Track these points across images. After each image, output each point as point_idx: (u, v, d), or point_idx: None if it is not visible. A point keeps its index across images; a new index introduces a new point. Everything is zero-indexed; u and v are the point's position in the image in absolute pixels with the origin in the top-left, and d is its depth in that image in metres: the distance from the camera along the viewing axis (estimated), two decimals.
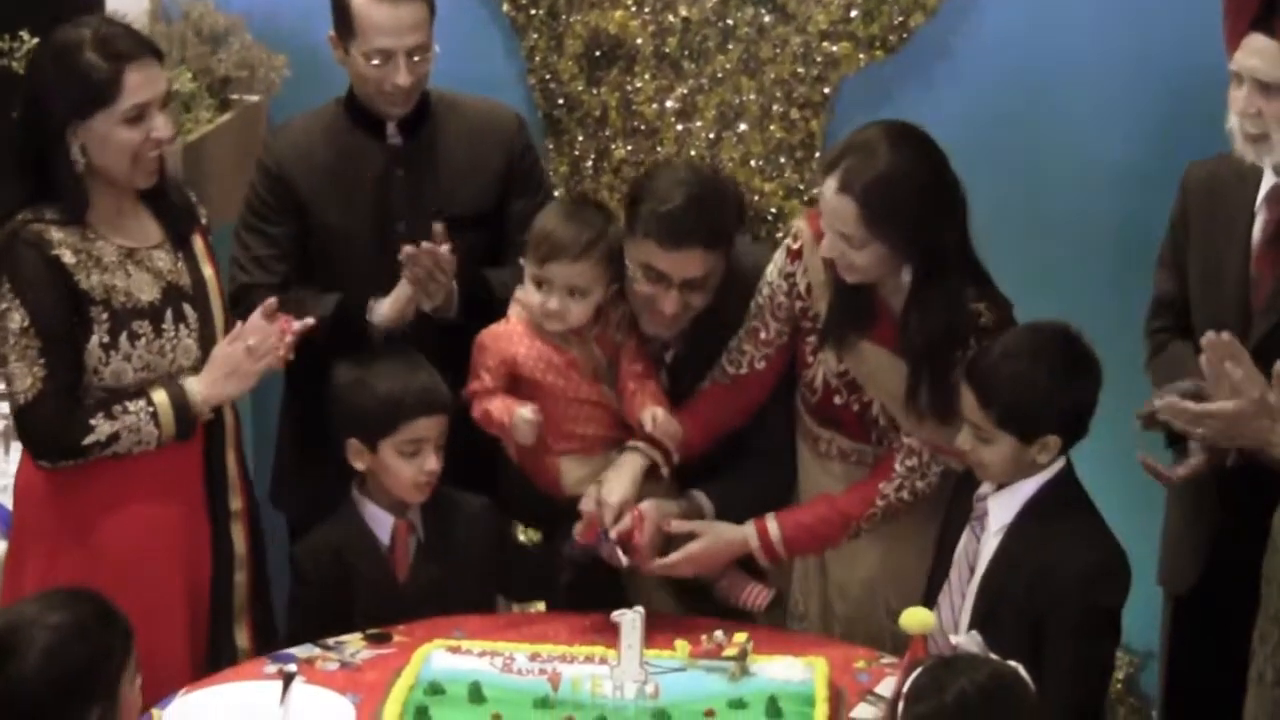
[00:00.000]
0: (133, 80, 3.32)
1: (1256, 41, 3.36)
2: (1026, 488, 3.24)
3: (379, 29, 3.67)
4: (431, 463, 3.49)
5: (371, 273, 3.72)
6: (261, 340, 3.42)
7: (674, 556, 3.47)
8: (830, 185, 3.31)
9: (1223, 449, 3.35)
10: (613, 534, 3.42)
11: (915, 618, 3.05)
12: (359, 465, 3.52)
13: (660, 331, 3.59)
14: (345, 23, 3.72)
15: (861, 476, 3.53)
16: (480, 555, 3.58)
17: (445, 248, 3.58)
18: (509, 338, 3.58)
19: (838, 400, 3.51)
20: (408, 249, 3.57)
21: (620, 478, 3.49)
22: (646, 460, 3.51)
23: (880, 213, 3.26)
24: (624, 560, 3.43)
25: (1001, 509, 3.25)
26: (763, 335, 3.57)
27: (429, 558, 3.54)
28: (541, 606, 3.98)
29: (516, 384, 3.57)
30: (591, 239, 3.51)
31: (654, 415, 3.49)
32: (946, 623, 3.26)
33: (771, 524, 3.48)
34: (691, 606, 3.57)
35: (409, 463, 3.48)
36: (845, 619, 3.60)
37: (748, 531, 3.49)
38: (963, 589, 3.28)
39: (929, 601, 3.32)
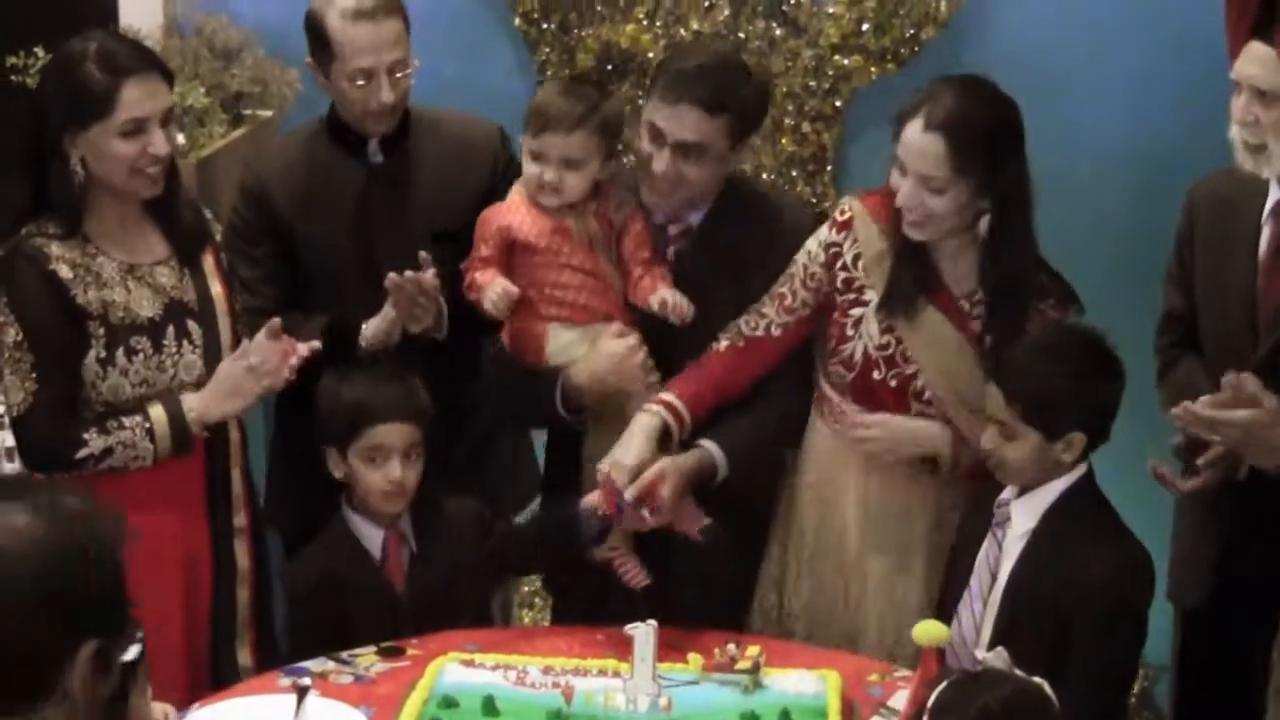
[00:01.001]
0: (130, 95, 3.32)
1: (1256, 50, 3.38)
2: (1050, 492, 3.25)
3: (359, 49, 3.65)
4: (395, 471, 3.47)
5: (356, 289, 3.72)
6: (264, 360, 3.43)
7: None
8: (915, 127, 3.34)
9: (1234, 464, 3.35)
10: (629, 494, 3.40)
11: (929, 631, 3.05)
12: (338, 474, 3.53)
13: (656, 201, 3.61)
14: (323, 47, 3.70)
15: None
16: (471, 552, 3.58)
17: (430, 273, 3.59)
18: (506, 209, 3.63)
19: (876, 375, 3.49)
20: (392, 276, 3.57)
21: (634, 440, 3.48)
22: (659, 422, 3.51)
23: (967, 147, 3.30)
24: (649, 519, 3.40)
25: (1025, 513, 3.26)
26: (788, 301, 3.56)
27: (424, 566, 3.54)
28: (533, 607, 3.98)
29: (513, 252, 3.60)
30: (585, 111, 3.55)
31: (663, 298, 3.54)
32: (968, 630, 3.27)
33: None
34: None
35: (373, 470, 3.48)
36: (845, 622, 3.59)
37: (935, 431, 3.48)
38: (984, 595, 3.28)
39: (944, 614, 3.32)
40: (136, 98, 3.33)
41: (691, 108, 3.50)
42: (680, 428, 3.52)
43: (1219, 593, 3.55)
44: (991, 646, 3.19)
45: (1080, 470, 3.26)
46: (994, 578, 3.27)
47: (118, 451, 3.35)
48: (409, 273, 3.57)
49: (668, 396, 3.54)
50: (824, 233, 3.56)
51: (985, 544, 3.30)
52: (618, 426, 3.56)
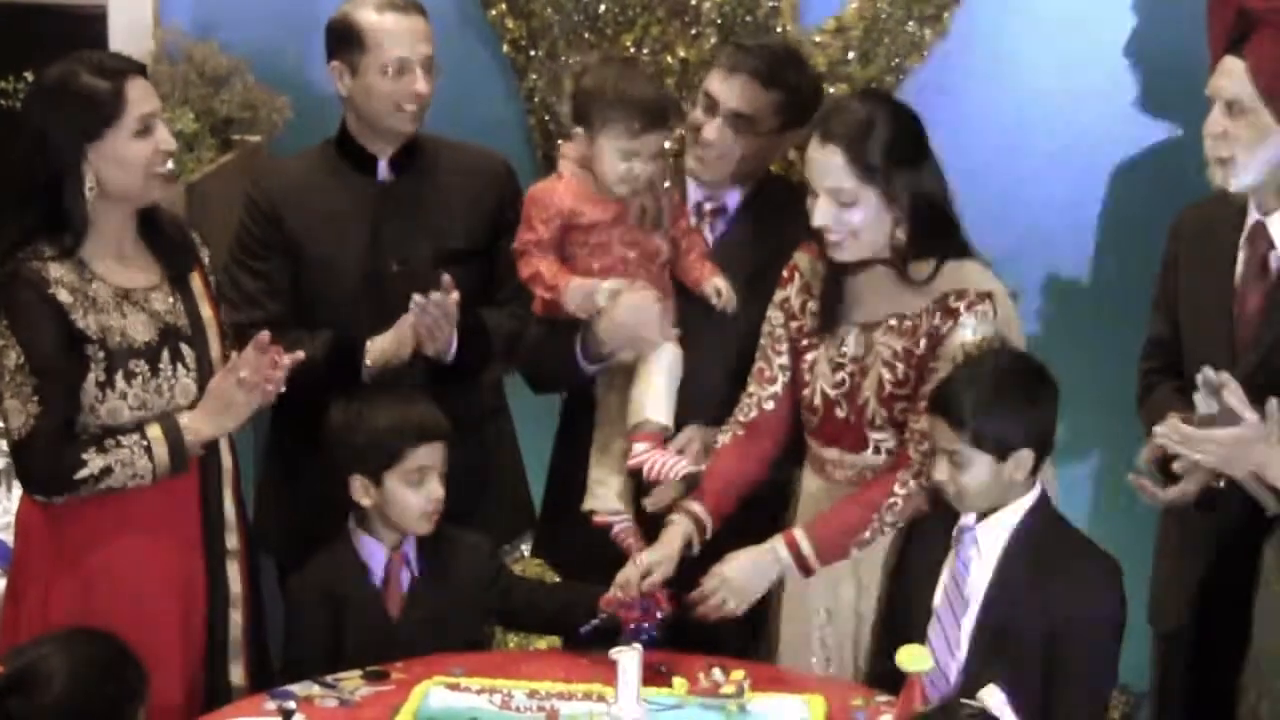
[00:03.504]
0: (134, 93, 3.36)
1: (1228, 64, 3.42)
2: (1011, 514, 3.30)
3: (395, 38, 3.70)
4: (438, 490, 3.51)
5: (361, 309, 3.75)
6: (254, 373, 3.43)
7: (710, 589, 3.44)
8: (814, 144, 3.39)
9: (1213, 472, 3.36)
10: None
11: (912, 656, 3.06)
12: (365, 502, 3.52)
13: (699, 169, 3.72)
14: (354, 41, 3.72)
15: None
16: (475, 592, 3.59)
17: (454, 296, 3.62)
18: (561, 191, 3.64)
19: (839, 413, 3.50)
20: (418, 299, 3.61)
21: (660, 548, 3.50)
22: (686, 533, 3.52)
23: (864, 154, 3.34)
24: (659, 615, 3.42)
25: (990, 537, 3.30)
26: (766, 373, 3.59)
27: (424, 593, 3.54)
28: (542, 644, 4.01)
29: (568, 233, 3.63)
30: (675, 101, 3.70)
31: (716, 286, 3.63)
32: (942, 656, 3.28)
33: (799, 535, 3.45)
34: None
35: (416, 492, 3.50)
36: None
37: (776, 548, 3.45)
38: (956, 621, 3.29)
39: (895, 635, 3.34)
40: (140, 95, 3.37)
41: (748, 79, 3.65)
42: (701, 538, 3.54)
43: (1197, 617, 3.57)
44: (969, 669, 3.22)
45: (1036, 490, 3.31)
46: (966, 602, 3.29)
47: (117, 470, 3.36)
48: (435, 295, 3.60)
49: (694, 507, 3.55)
50: (777, 294, 3.59)
51: (949, 569, 3.33)
52: (620, 427, 3.65)
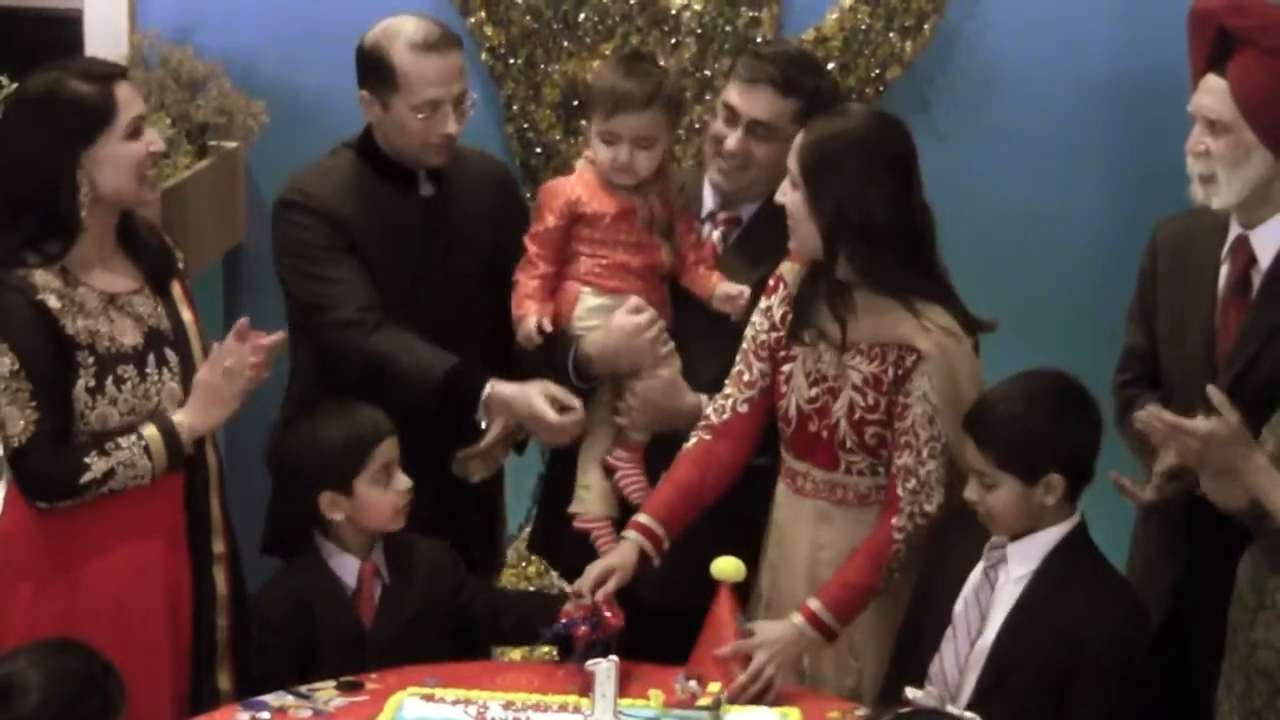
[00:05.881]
0: (124, 95, 3.36)
1: (1209, 82, 3.43)
2: (1047, 537, 3.25)
3: (427, 81, 3.66)
4: (404, 480, 3.54)
5: (405, 320, 3.70)
6: (237, 361, 3.42)
7: (747, 679, 3.34)
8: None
9: (1194, 476, 3.36)
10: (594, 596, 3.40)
11: (725, 566, 3.25)
12: (338, 516, 3.52)
13: (722, 181, 3.75)
14: (385, 78, 3.67)
15: (837, 510, 3.51)
16: (441, 596, 3.59)
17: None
18: (573, 183, 3.74)
19: (812, 428, 3.49)
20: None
21: (612, 557, 3.48)
22: (638, 543, 3.50)
23: (814, 157, 3.35)
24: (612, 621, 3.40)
25: (1021, 557, 3.26)
26: (745, 377, 3.58)
27: (395, 602, 3.54)
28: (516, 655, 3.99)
29: (576, 222, 3.69)
30: (654, 89, 3.67)
31: (728, 292, 3.69)
32: (950, 670, 3.27)
33: (814, 604, 3.40)
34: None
35: (386, 489, 3.52)
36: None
37: (799, 625, 3.39)
38: (970, 636, 3.27)
39: (910, 648, 3.32)
40: (128, 97, 3.38)
41: (766, 87, 3.67)
42: (657, 549, 3.52)
43: (1171, 627, 3.57)
44: (979, 687, 3.20)
45: (1075, 519, 3.27)
46: (984, 619, 3.27)
47: (119, 472, 3.34)
48: (568, 419, 3.63)
49: (643, 519, 3.53)
50: (762, 302, 3.59)
51: (973, 584, 3.30)
52: (607, 432, 3.69)
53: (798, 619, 3.39)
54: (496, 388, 3.66)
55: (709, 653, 3.34)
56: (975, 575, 3.30)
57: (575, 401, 3.66)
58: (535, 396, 3.63)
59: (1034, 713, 3.14)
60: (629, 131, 3.64)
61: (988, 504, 3.24)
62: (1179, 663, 3.57)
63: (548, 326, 3.68)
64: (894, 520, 3.40)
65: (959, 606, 3.30)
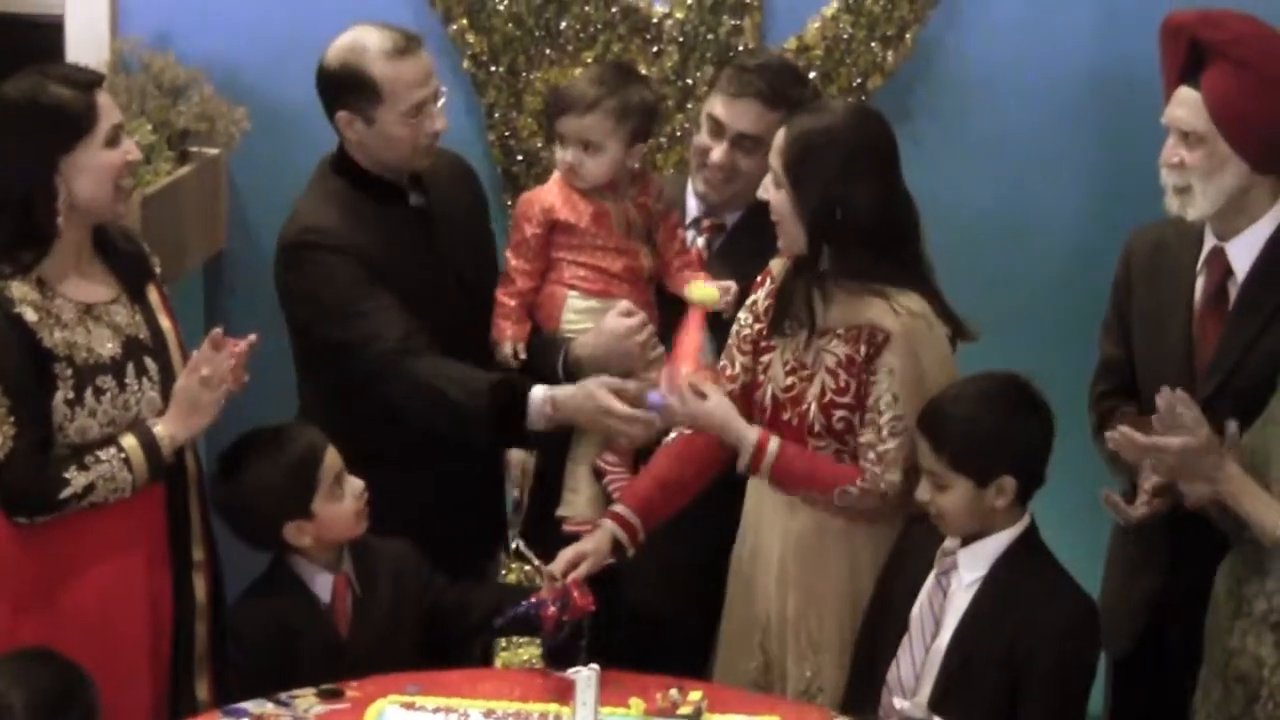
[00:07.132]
0: (104, 102, 3.36)
1: (1183, 94, 3.45)
2: (998, 541, 3.27)
3: (411, 84, 3.65)
4: (356, 483, 3.52)
5: (432, 335, 3.68)
6: (215, 369, 3.41)
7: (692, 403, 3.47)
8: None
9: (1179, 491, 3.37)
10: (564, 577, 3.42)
11: (700, 290, 3.55)
12: (305, 541, 3.49)
13: (708, 192, 3.80)
14: (366, 93, 3.63)
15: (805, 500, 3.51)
16: (410, 597, 3.58)
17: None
18: (547, 191, 3.79)
19: (785, 415, 3.50)
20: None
21: (585, 543, 3.51)
22: (612, 532, 3.52)
23: (798, 155, 3.36)
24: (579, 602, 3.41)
25: (972, 562, 3.28)
26: (728, 371, 3.59)
27: (368, 609, 3.53)
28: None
29: (553, 230, 3.73)
30: (598, 95, 3.69)
31: (727, 285, 3.70)
32: (906, 674, 3.29)
33: (773, 442, 3.45)
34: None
35: (341, 502, 3.49)
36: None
37: (748, 433, 3.46)
38: (926, 642, 3.29)
39: (868, 653, 3.33)
40: (108, 105, 3.37)
41: (752, 100, 3.72)
42: (632, 540, 3.53)
43: (1148, 640, 3.59)
44: (935, 692, 3.22)
45: (1024, 522, 3.28)
46: (938, 624, 3.28)
47: (99, 486, 3.33)
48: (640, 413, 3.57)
49: (619, 509, 3.55)
50: (749, 297, 3.61)
51: (927, 590, 3.32)
52: (596, 436, 3.67)
53: (751, 435, 3.45)
54: (554, 392, 3.60)
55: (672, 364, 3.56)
56: (929, 581, 3.32)
57: (631, 385, 3.61)
58: (598, 392, 3.57)
59: (989, 716, 3.16)
60: (571, 133, 3.69)
61: (939, 505, 3.26)
62: (1157, 673, 3.59)
63: (522, 354, 3.71)
64: (863, 465, 3.41)
65: (915, 611, 3.32)
